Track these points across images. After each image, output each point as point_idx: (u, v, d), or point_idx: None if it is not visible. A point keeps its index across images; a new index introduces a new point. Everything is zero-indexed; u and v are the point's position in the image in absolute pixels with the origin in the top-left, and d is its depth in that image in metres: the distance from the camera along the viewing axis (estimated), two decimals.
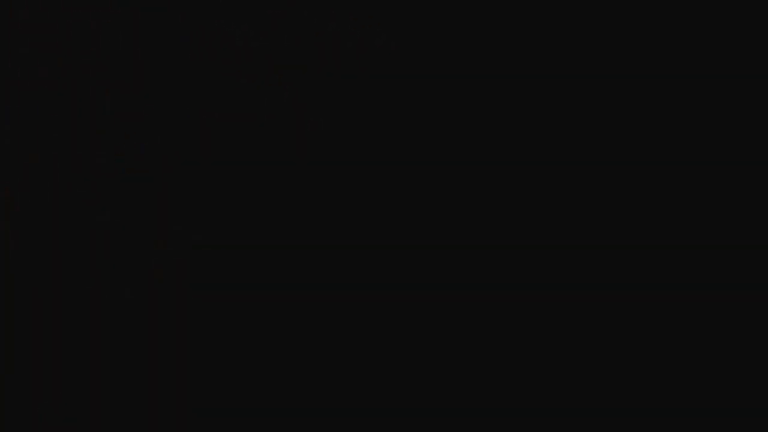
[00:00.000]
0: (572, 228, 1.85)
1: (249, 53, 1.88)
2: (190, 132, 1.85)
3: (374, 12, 1.91)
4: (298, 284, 1.81)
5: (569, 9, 1.91)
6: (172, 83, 1.85)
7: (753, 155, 1.84)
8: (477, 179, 1.90)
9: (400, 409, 1.75)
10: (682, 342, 1.77)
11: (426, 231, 1.89)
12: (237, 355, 1.76)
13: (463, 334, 1.80)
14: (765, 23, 1.86)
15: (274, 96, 1.87)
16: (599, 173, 1.87)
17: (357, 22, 1.90)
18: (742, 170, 1.83)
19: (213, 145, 1.85)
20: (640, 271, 1.81)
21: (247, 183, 1.84)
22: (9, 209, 1.76)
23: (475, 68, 1.92)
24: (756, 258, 1.79)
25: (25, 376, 1.71)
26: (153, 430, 1.70)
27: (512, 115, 1.91)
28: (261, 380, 1.74)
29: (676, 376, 1.75)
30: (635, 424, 1.72)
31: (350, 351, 1.78)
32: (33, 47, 1.82)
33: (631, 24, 1.90)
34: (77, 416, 1.70)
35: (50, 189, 1.78)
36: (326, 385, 1.75)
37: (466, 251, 1.87)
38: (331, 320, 1.80)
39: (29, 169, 1.79)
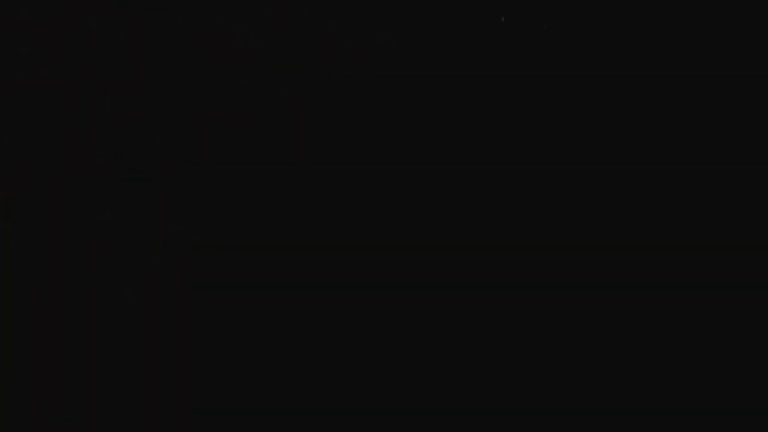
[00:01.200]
0: (572, 228, 1.85)
1: (249, 53, 1.88)
2: (190, 132, 1.85)
3: (374, 12, 1.91)
4: (298, 284, 1.81)
5: (568, 9, 1.91)
6: (172, 83, 1.85)
7: (753, 155, 1.84)
8: (477, 179, 1.90)
9: (400, 409, 1.75)
10: (682, 342, 1.77)
11: (426, 231, 1.89)
12: (237, 355, 1.76)
13: (463, 334, 1.80)
14: (765, 23, 1.86)
15: (274, 96, 1.87)
16: (599, 173, 1.87)
17: (357, 22, 1.90)
18: (742, 170, 1.83)
19: (213, 145, 1.85)
20: (640, 271, 1.81)
21: (247, 183, 1.84)
22: (9, 209, 1.76)
23: (475, 68, 1.92)
24: (756, 258, 1.79)
25: (25, 376, 1.71)
26: (153, 430, 1.70)
27: (512, 115, 1.91)
28: (261, 380, 1.74)
29: (676, 376, 1.75)
30: (635, 424, 1.72)
31: (350, 351, 1.78)
32: (33, 47, 1.82)
33: (631, 24, 1.90)
34: (77, 416, 1.70)
35: (50, 189, 1.78)
36: (326, 385, 1.75)
37: (465, 251, 1.87)
38: (331, 320, 1.80)
39: (29, 169, 1.79)
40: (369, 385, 1.76)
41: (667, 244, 1.82)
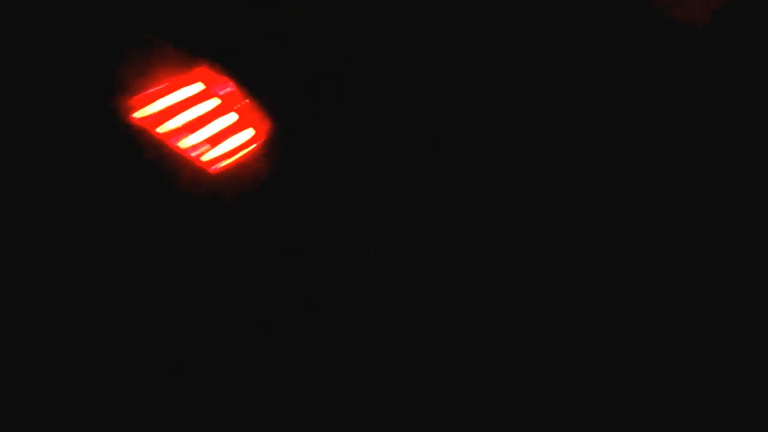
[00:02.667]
0: (572, 228, 1.85)
1: (250, 53, 1.88)
2: (192, 129, 1.85)
3: (374, 12, 1.92)
4: (298, 284, 1.81)
5: (567, 10, 1.92)
6: (173, 82, 1.86)
7: (753, 155, 1.84)
8: (476, 179, 1.90)
9: (400, 409, 1.74)
10: (682, 342, 1.77)
11: (425, 230, 1.89)
12: (236, 354, 1.75)
13: (462, 334, 1.80)
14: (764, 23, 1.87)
15: (276, 95, 1.88)
16: (599, 173, 1.88)
17: (357, 22, 1.90)
18: (742, 170, 1.84)
19: (215, 144, 1.85)
20: (640, 272, 1.82)
21: (248, 180, 1.85)
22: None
23: (473, 68, 1.93)
24: (756, 258, 1.79)
25: (22, 375, 1.70)
26: (153, 429, 1.69)
27: (512, 115, 1.92)
28: (260, 380, 1.74)
29: (676, 375, 1.75)
30: (635, 423, 1.72)
31: (349, 351, 1.78)
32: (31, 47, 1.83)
33: (629, 25, 1.91)
34: (76, 416, 1.69)
35: (50, 189, 1.78)
36: (326, 385, 1.75)
37: (465, 251, 1.87)
38: (331, 320, 1.80)
39: (29, 168, 1.79)
40: (369, 385, 1.75)
41: (666, 244, 1.82)
